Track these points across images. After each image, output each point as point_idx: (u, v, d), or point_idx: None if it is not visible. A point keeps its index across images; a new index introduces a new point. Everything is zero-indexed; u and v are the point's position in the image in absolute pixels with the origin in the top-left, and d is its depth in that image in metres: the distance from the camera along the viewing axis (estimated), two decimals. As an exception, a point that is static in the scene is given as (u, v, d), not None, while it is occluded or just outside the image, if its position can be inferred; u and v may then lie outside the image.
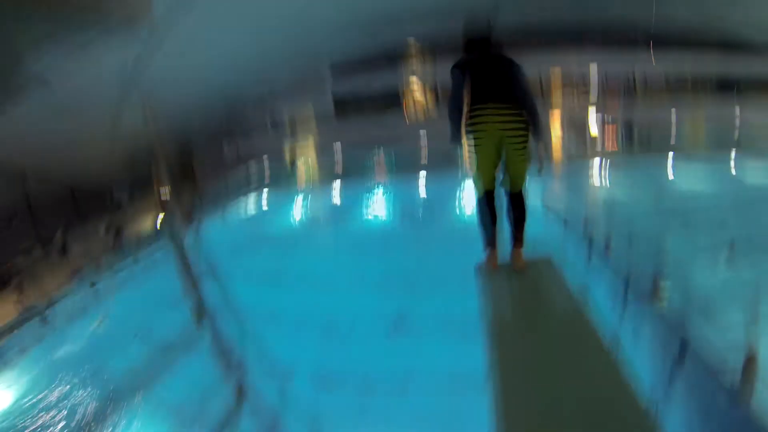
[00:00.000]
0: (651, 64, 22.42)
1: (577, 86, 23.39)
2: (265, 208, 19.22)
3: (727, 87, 22.47)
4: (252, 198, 19.62)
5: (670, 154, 18.50)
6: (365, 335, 7.72)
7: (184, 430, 6.02)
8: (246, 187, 21.78)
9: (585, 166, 18.35)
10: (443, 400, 6.07)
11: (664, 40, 22.09)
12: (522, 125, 3.74)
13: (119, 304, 10.45)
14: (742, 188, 15.39)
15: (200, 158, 26.37)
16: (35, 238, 16.30)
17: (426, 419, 5.97)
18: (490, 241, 4.03)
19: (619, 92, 23.04)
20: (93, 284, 11.03)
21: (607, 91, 23.23)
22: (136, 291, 10.95)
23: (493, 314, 3.47)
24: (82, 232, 15.52)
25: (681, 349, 4.12)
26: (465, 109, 3.80)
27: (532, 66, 22.24)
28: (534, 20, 20.81)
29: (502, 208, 4.08)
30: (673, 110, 21.74)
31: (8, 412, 6.80)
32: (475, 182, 3.98)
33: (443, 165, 19.70)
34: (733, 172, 17.95)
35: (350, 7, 16.19)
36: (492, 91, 3.70)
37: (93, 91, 12.91)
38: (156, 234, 14.67)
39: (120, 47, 11.83)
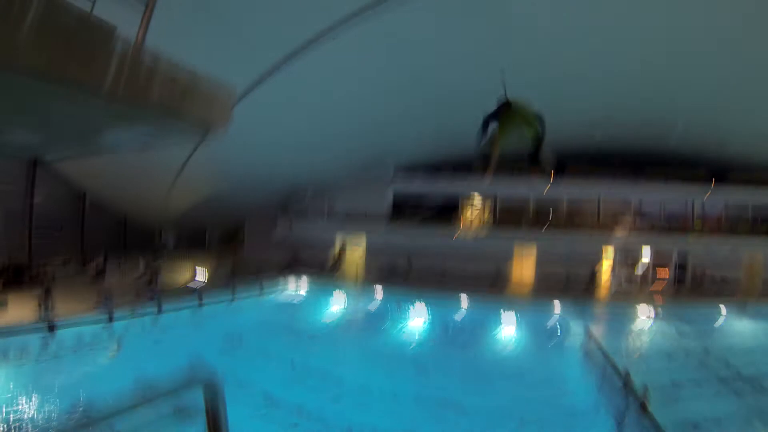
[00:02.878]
0: (711, 200, 22.09)
1: (634, 217, 23.06)
2: (302, 294, 18.74)
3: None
4: (292, 281, 19.30)
5: (723, 303, 16.67)
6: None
7: None
8: (289, 269, 21.60)
9: (633, 305, 16.99)
10: None
11: (726, 171, 22.06)
12: None
13: (131, 345, 9.90)
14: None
15: (251, 231, 27.40)
16: (78, 253, 16.56)
17: None
18: None
19: (677, 225, 22.47)
20: (111, 319, 10.64)
21: (664, 223, 22.77)
22: (155, 338, 10.44)
23: None
24: (122, 262, 15.61)
25: None
26: None
27: (591, 191, 22.46)
28: (597, 146, 21.20)
29: None
30: (731, 251, 20.71)
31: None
32: None
33: (486, 288, 19.13)
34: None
35: (422, 118, 17.50)
36: None
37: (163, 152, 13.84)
38: (188, 290, 14.41)
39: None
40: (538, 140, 4.84)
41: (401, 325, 15.27)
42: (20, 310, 9.89)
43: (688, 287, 20.92)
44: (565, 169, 22.67)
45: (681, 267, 22.11)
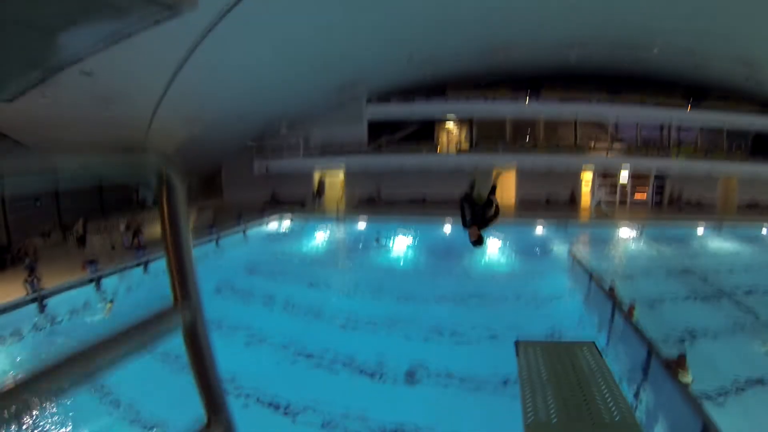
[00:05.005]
0: (687, 121, 22.25)
1: (611, 140, 23.68)
2: (284, 231, 19.11)
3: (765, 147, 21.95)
4: (274, 220, 19.57)
5: (699, 224, 17.94)
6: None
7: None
8: (271, 207, 21.77)
9: (615, 221, 18.06)
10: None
11: (703, 95, 22.15)
12: None
13: (123, 302, 10.26)
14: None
15: (229, 174, 26.61)
16: (57, 223, 16.55)
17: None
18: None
19: (654, 148, 22.96)
20: (99, 282, 10.93)
21: (641, 146, 23.23)
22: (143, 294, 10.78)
23: (531, 399, 3.96)
24: (103, 225, 15.69)
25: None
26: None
27: (569, 112, 22.32)
28: (573, 64, 20.52)
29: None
30: (708, 170, 21.36)
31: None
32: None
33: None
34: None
35: (393, 43, 16.94)
36: None
37: (132, 89, 13.30)
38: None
39: (163, 46, 11.81)
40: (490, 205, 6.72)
41: (385, 250, 15.66)
42: (7, 290, 10.09)
43: (666, 209, 21.68)
44: (541, 90, 22.25)
45: (659, 189, 22.78)
